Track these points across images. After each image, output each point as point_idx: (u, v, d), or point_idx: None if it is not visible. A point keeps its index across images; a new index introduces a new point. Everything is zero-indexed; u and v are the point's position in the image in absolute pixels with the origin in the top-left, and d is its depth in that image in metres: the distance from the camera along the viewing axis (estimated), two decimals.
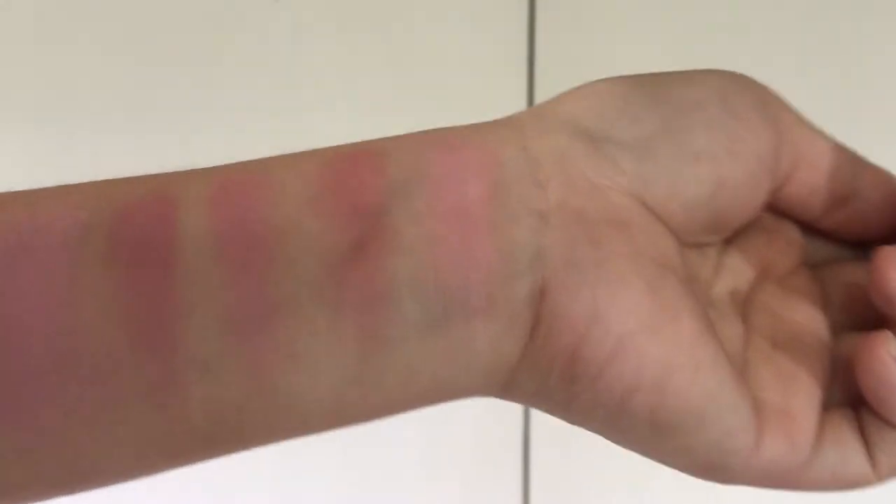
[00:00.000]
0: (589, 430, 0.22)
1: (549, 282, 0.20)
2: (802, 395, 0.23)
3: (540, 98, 0.65)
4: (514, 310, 0.20)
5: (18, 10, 0.64)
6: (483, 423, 0.65)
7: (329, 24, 0.65)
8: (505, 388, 0.22)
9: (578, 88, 0.23)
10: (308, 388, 0.20)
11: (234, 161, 0.21)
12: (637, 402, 0.21)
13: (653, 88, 0.23)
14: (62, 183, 0.21)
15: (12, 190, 0.20)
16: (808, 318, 0.24)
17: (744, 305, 0.25)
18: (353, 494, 0.64)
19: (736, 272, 0.25)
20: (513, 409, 0.65)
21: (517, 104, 0.65)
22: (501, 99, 0.65)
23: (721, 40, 0.63)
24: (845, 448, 0.23)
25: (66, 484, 0.19)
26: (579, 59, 0.65)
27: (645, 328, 0.21)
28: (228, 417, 0.19)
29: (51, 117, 0.63)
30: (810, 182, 0.24)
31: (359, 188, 0.20)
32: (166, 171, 0.21)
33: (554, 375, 0.21)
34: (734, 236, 0.25)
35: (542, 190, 0.21)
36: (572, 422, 0.22)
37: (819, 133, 0.24)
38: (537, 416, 0.65)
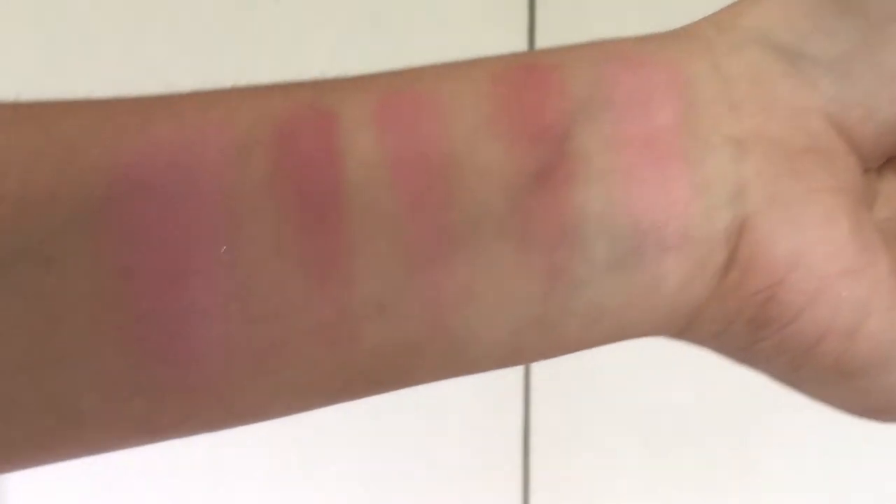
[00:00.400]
0: (760, 370, 0.21)
1: (749, 218, 0.19)
2: None
3: None
4: (709, 248, 0.19)
5: (18, 9, 0.64)
6: (483, 423, 0.65)
7: (329, 25, 0.65)
8: (683, 329, 0.20)
9: None
10: (485, 328, 0.18)
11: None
12: (826, 347, 0.19)
13: None
14: None
15: (135, 97, 0.18)
16: None
17: None
18: (353, 494, 0.64)
19: (890, 198, 0.22)
20: (513, 409, 0.65)
21: None
22: None
23: None
24: None
25: (220, 423, 0.18)
26: None
27: (847, 271, 0.19)
28: (398, 358, 0.18)
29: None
30: None
31: (538, 108, 0.18)
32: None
33: (742, 319, 0.19)
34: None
35: (737, 114, 0.19)
36: (746, 363, 0.21)
37: None
38: (537, 416, 0.65)
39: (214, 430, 0.18)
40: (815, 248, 0.19)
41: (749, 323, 0.19)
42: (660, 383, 0.64)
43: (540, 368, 0.63)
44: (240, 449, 0.62)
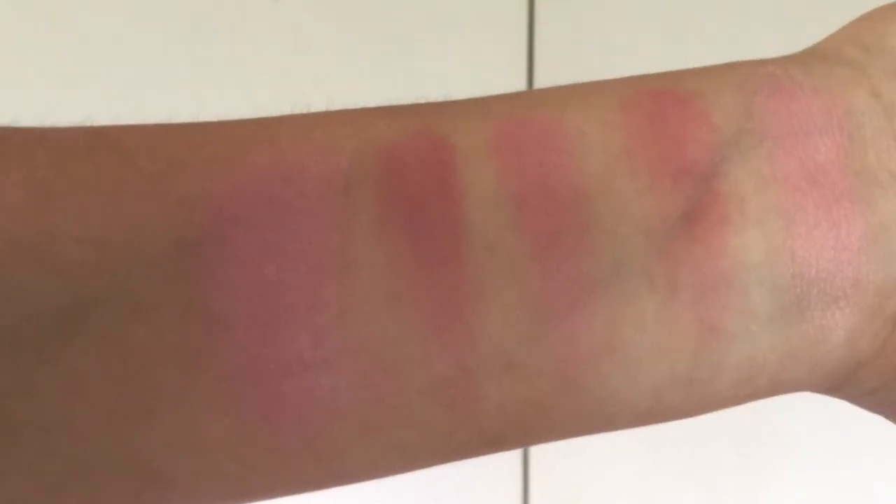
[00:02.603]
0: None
1: None
2: None
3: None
4: (882, 298, 0.17)
5: (19, 9, 0.64)
6: None
7: (329, 25, 0.65)
8: (840, 385, 0.18)
9: (893, 14, 0.19)
10: (624, 387, 0.16)
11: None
12: None
13: None
14: None
15: (221, 122, 0.16)
16: None
17: None
18: (353, 494, 0.64)
19: None
20: None
21: None
22: None
23: (722, 39, 0.63)
24: None
25: (317, 485, 0.16)
26: (579, 59, 0.65)
27: None
28: (523, 418, 0.16)
29: (49, 117, 0.63)
30: None
31: (680, 140, 0.16)
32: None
33: None
34: None
35: None
36: (891, 416, 0.19)
37: None
38: None
39: (311, 490, 0.16)
40: None
41: None
42: None
43: None
44: None
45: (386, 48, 0.65)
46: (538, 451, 0.65)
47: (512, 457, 0.65)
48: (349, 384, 0.15)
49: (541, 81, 0.65)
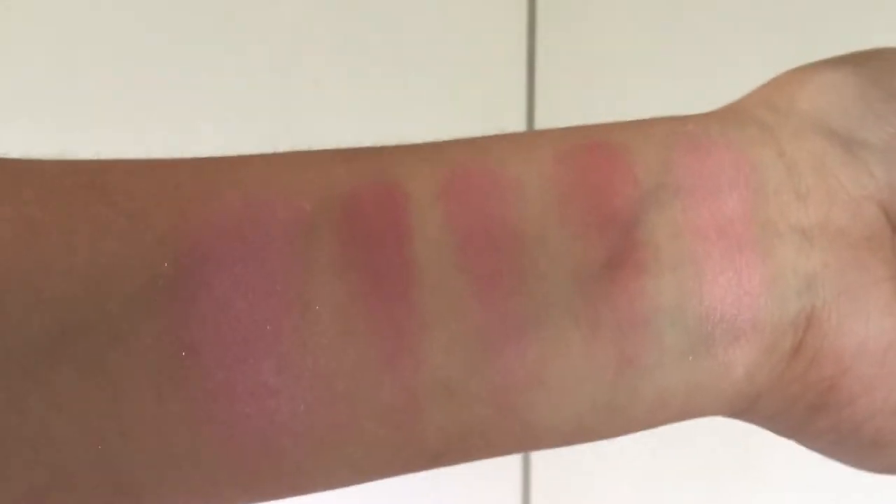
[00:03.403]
0: (801, 443, 0.22)
1: (817, 310, 0.19)
2: None
3: (540, 98, 0.65)
4: (778, 337, 0.19)
5: (19, 9, 0.64)
6: None
7: (328, 24, 0.65)
8: (742, 412, 0.20)
9: (803, 79, 0.21)
10: (552, 412, 0.18)
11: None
12: (872, 425, 0.20)
13: (886, 79, 0.21)
14: None
15: (193, 160, 0.18)
16: None
17: None
18: (353, 494, 0.64)
19: None
20: None
21: (517, 104, 0.65)
22: (501, 99, 0.65)
23: (722, 39, 0.63)
24: None
25: (276, 496, 0.18)
26: (579, 58, 0.65)
27: None
28: (462, 439, 0.18)
29: (49, 115, 0.63)
30: None
31: (607, 192, 0.18)
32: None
33: (801, 404, 0.20)
34: None
35: (804, 203, 0.19)
36: (790, 438, 0.22)
37: None
38: None
39: (271, 499, 0.18)
40: (878, 338, 0.19)
41: (808, 408, 0.20)
42: None
43: None
44: None
45: (385, 48, 0.65)
46: (539, 452, 0.65)
47: (512, 456, 0.65)
48: (307, 408, 0.17)
49: (541, 82, 0.65)
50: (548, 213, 0.18)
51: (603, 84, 0.64)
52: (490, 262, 0.17)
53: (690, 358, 0.18)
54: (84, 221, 0.16)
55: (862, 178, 0.20)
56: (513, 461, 0.65)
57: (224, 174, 0.18)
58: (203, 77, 0.64)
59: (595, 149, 0.19)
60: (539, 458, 0.65)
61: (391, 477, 0.19)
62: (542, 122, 0.65)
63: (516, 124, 0.65)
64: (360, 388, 0.17)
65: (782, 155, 0.19)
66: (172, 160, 0.18)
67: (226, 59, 0.65)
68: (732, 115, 0.20)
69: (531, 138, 0.19)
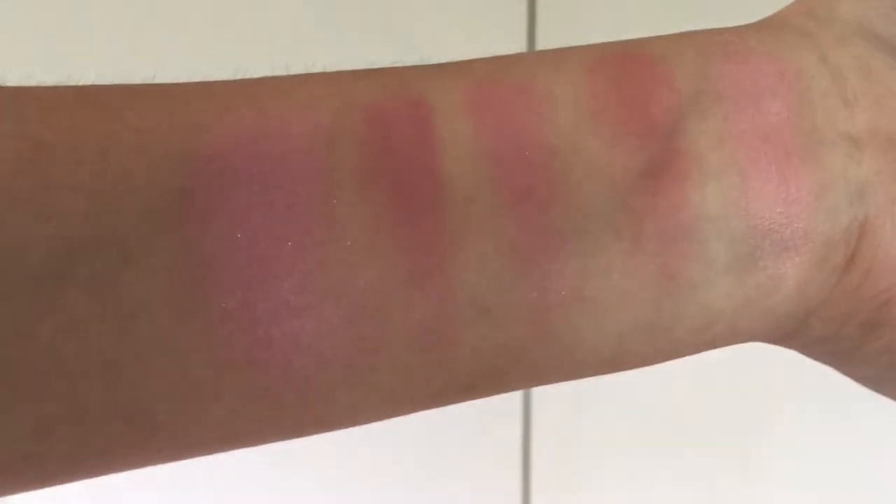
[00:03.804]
0: (853, 374, 0.20)
1: (871, 219, 0.18)
2: None
3: None
4: (830, 249, 0.18)
5: (19, 6, 0.64)
6: (483, 422, 0.65)
7: (328, 24, 0.65)
8: (792, 333, 0.19)
9: None
10: (592, 332, 0.17)
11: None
12: None
13: None
14: None
15: (204, 82, 0.17)
16: None
17: None
18: (353, 494, 0.64)
19: None
20: (513, 410, 0.65)
21: None
22: None
23: None
24: None
25: (302, 430, 0.17)
26: None
27: None
28: (497, 362, 0.17)
29: None
30: None
31: (643, 101, 0.17)
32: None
33: (854, 322, 0.19)
34: None
35: (851, 109, 0.18)
36: (842, 367, 0.20)
37: None
38: (537, 416, 0.65)
39: (296, 437, 0.17)
40: None
41: (862, 326, 0.19)
42: (660, 383, 0.64)
43: None
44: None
45: (385, 48, 0.65)
46: (539, 451, 0.65)
47: (512, 456, 0.65)
48: (333, 329, 0.16)
49: None
50: (581, 124, 0.17)
51: None
52: (522, 174, 0.16)
53: (738, 272, 0.17)
54: (90, 136, 0.15)
55: None
56: (513, 461, 0.65)
57: (237, 91, 0.17)
58: (201, 77, 0.64)
59: (630, 59, 0.18)
60: (539, 457, 0.65)
61: (426, 408, 0.17)
62: None
63: None
64: (387, 307, 0.16)
65: (826, 60, 0.19)
66: (180, 83, 0.17)
67: (224, 59, 0.65)
68: (769, 25, 0.19)
69: (561, 52, 0.18)
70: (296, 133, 0.16)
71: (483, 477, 0.65)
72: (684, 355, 0.18)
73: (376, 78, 0.17)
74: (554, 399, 0.65)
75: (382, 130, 0.16)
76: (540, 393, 0.65)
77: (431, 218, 0.16)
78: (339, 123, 0.16)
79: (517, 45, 0.66)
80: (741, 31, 0.19)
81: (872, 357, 0.19)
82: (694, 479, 0.65)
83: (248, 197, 0.16)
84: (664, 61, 0.18)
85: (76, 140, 0.15)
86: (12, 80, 0.17)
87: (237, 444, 0.17)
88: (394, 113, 0.17)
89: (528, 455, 0.65)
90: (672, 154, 0.17)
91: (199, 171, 0.15)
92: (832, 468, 0.65)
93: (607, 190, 0.17)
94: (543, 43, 0.65)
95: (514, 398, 0.65)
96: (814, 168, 0.18)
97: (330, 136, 0.16)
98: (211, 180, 0.15)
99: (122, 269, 0.15)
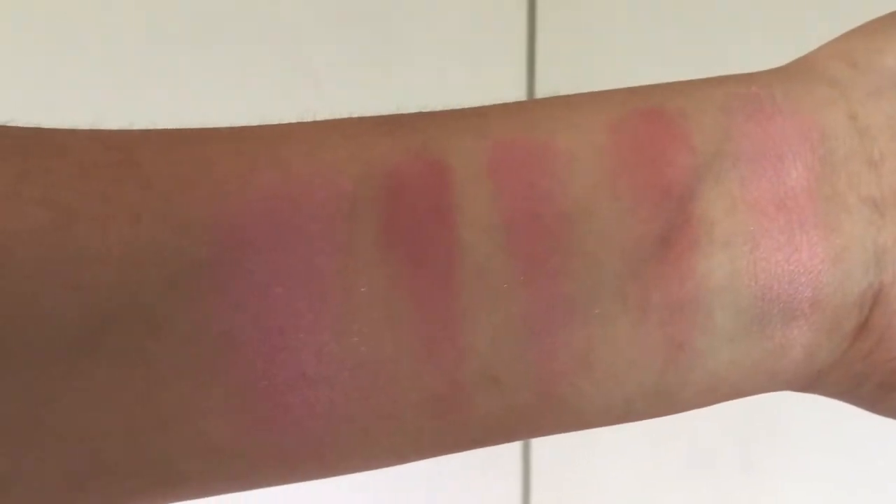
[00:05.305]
0: (878, 413, 0.20)
1: (886, 287, 0.18)
2: None
3: (540, 97, 0.65)
4: (840, 316, 0.18)
5: (20, 5, 0.64)
6: None
7: (328, 24, 0.65)
8: (806, 387, 0.19)
9: (890, 28, 0.19)
10: (597, 399, 0.17)
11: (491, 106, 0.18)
12: None
13: None
14: None
15: (230, 131, 0.17)
16: None
17: None
18: (353, 494, 0.64)
19: None
20: None
21: None
22: (501, 98, 0.65)
23: (721, 40, 0.63)
24: None
25: (317, 477, 0.18)
26: (579, 58, 0.65)
27: None
28: (507, 426, 0.17)
29: (45, 116, 0.63)
30: None
31: (662, 163, 0.17)
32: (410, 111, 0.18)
33: (869, 383, 0.19)
34: None
35: (876, 171, 0.18)
36: (869, 410, 0.20)
37: None
38: None
39: (311, 479, 0.18)
40: None
41: (878, 386, 0.19)
42: None
43: None
44: None
45: (385, 47, 0.65)
46: (539, 451, 0.65)
47: (513, 456, 0.65)
48: (348, 398, 0.16)
49: (541, 82, 0.65)
50: (599, 188, 0.17)
51: (603, 83, 0.64)
52: (537, 243, 0.16)
53: (744, 340, 0.17)
54: (120, 205, 0.15)
55: None
56: (513, 460, 0.65)
57: (262, 150, 0.17)
58: (201, 76, 0.64)
59: (651, 115, 0.18)
60: (539, 456, 0.65)
61: (433, 457, 0.18)
62: None
63: None
64: (402, 378, 0.16)
65: (854, 118, 0.18)
66: (206, 131, 0.17)
67: (224, 59, 0.65)
68: (802, 72, 0.19)
69: (583, 104, 0.18)
70: (320, 200, 0.16)
71: (483, 477, 0.65)
72: (691, 410, 0.19)
73: (398, 137, 0.17)
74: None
75: (402, 199, 0.16)
76: None
77: (445, 289, 0.16)
78: (361, 191, 0.16)
79: (517, 42, 0.65)
80: (770, 81, 0.18)
81: (892, 412, 0.19)
82: (694, 479, 0.65)
83: (269, 268, 0.16)
84: (686, 118, 0.18)
85: (105, 209, 0.15)
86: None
87: (258, 487, 0.17)
88: (414, 179, 0.16)
89: (528, 455, 0.65)
90: (685, 220, 0.17)
91: (223, 240, 0.16)
92: (833, 467, 0.64)
93: (619, 259, 0.17)
94: (544, 40, 0.65)
95: None
96: (829, 236, 0.17)
97: (351, 205, 0.16)
98: (232, 250, 0.16)
99: (147, 339, 0.15)
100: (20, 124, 0.16)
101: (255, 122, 0.18)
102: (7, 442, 0.15)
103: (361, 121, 0.18)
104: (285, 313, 0.16)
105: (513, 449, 0.65)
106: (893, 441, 0.63)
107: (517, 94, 0.65)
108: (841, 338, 0.18)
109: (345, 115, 0.19)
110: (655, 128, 0.17)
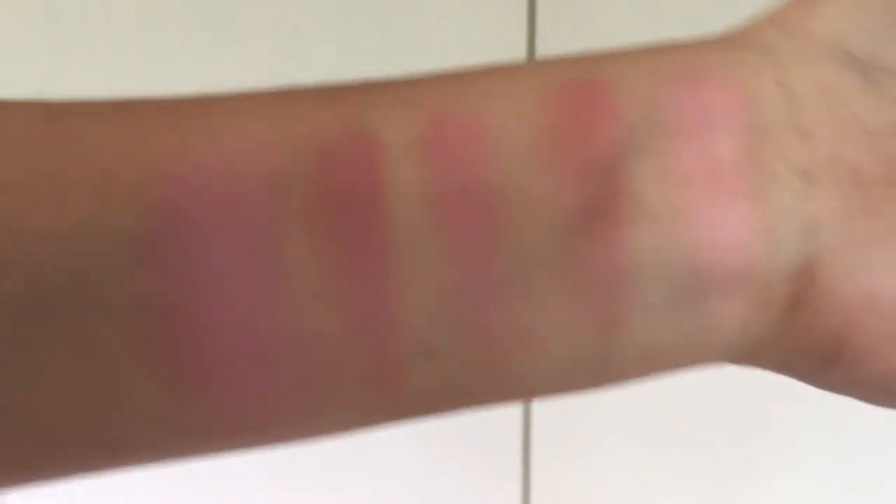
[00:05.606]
0: (818, 387, 0.20)
1: (819, 259, 0.17)
2: None
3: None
4: (773, 289, 0.18)
5: (22, 5, 0.64)
6: (483, 423, 0.65)
7: (328, 24, 0.65)
8: (745, 360, 0.19)
9: None
10: (534, 370, 0.17)
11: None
12: (890, 381, 0.18)
13: None
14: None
15: (161, 103, 0.17)
16: None
17: None
18: (354, 494, 0.64)
19: None
20: (513, 410, 0.65)
21: None
22: None
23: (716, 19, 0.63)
24: None
25: (263, 447, 0.18)
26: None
27: None
28: (447, 398, 0.18)
29: None
30: None
31: (590, 134, 0.17)
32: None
33: (808, 357, 0.18)
34: None
35: (808, 140, 0.17)
36: (809, 384, 0.20)
37: None
38: (537, 416, 0.65)
39: (260, 449, 0.18)
40: (889, 292, 0.18)
41: (817, 361, 0.18)
42: (660, 383, 0.64)
43: None
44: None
45: (386, 48, 0.65)
46: (539, 451, 0.65)
47: (513, 456, 0.65)
48: (284, 371, 0.16)
49: None
50: (528, 162, 0.17)
51: None
52: (467, 216, 0.17)
53: (677, 313, 0.17)
54: (60, 181, 0.16)
55: (881, 110, 0.18)
56: (513, 460, 0.65)
57: (194, 124, 0.17)
58: (200, 76, 0.64)
59: (581, 86, 0.17)
60: (539, 456, 0.65)
61: (376, 430, 0.18)
62: None
63: None
64: (337, 353, 0.16)
65: (784, 86, 0.18)
66: (141, 102, 0.17)
67: (224, 59, 0.65)
68: (738, 40, 0.18)
69: (518, 75, 0.18)
70: (252, 175, 0.16)
71: (483, 477, 0.65)
72: (631, 383, 0.19)
73: (332, 109, 0.17)
74: (554, 399, 0.65)
75: (332, 172, 0.16)
76: None
77: (375, 262, 0.16)
78: (290, 164, 0.16)
79: (518, 43, 0.66)
80: (704, 51, 0.18)
81: (833, 386, 0.19)
82: (694, 479, 0.65)
83: (202, 242, 0.16)
84: (615, 88, 0.17)
85: (47, 185, 0.16)
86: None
87: (206, 455, 0.18)
88: (345, 153, 0.17)
89: (528, 455, 0.65)
90: (613, 193, 0.17)
91: (159, 215, 0.16)
92: (834, 467, 0.65)
93: (549, 233, 0.17)
94: (544, 40, 0.65)
95: None
96: (759, 206, 0.17)
97: (283, 180, 0.16)
98: (168, 225, 0.16)
99: (90, 316, 0.16)
100: None
101: None
102: None
103: (297, 92, 0.18)
104: (219, 288, 0.16)
105: (513, 449, 0.65)
106: (892, 441, 0.63)
107: None
108: (776, 311, 0.18)
109: None
110: (585, 98, 0.17)
